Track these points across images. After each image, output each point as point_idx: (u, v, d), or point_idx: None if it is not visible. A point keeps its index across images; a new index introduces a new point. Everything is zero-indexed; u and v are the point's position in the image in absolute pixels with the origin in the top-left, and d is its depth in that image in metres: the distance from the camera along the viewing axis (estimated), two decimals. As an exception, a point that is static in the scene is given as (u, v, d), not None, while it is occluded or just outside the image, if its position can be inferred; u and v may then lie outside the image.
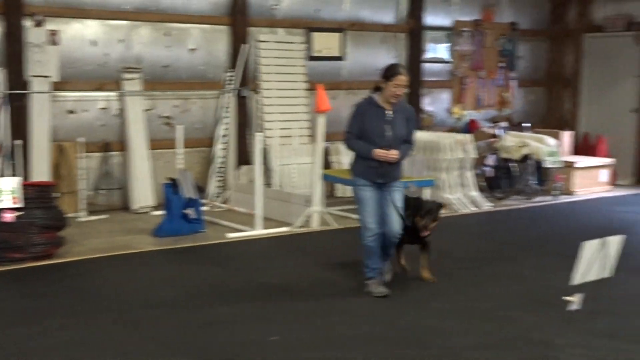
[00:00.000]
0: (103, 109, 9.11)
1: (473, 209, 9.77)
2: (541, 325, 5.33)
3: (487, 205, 10.00)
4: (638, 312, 5.82)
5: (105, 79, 9.01)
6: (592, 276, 4.58)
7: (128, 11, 9.11)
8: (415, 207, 6.08)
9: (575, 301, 4.64)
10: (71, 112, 8.87)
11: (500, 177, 10.69)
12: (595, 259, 4.58)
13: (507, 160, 10.62)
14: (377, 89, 5.68)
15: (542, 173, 10.85)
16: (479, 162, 10.49)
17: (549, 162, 10.69)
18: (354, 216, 8.64)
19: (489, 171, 10.72)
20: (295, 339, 5.07)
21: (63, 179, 8.67)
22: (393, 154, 5.53)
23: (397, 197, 5.75)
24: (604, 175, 11.82)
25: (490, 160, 10.73)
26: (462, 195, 9.85)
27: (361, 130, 5.61)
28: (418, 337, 5.10)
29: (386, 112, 5.59)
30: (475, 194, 10.01)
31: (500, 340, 5.18)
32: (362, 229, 5.69)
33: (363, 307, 5.87)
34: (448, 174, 9.73)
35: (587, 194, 11.31)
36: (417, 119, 6.23)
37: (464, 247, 8.14)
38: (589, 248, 4.51)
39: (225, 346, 4.89)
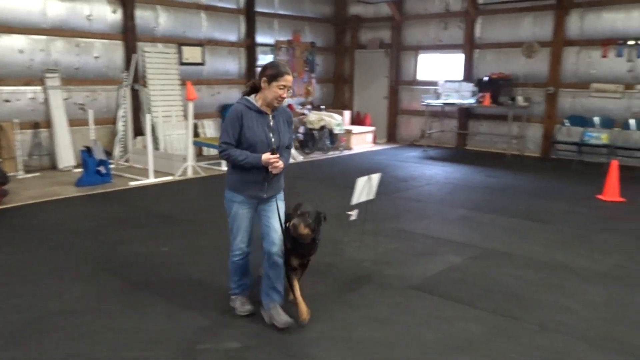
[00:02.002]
0: (32, 98, 8.98)
1: (292, 160, 10.13)
2: (332, 228, 5.43)
3: (300, 158, 10.70)
4: (390, 219, 6.37)
5: (32, 77, 8.90)
6: (363, 198, 4.66)
7: (46, 29, 9.01)
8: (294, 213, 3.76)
9: (353, 214, 4.62)
10: (7, 101, 8.72)
11: (307, 140, 11.38)
12: (365, 188, 4.66)
13: (311, 129, 11.38)
14: (254, 90, 3.60)
15: (333, 137, 11.62)
16: (294, 131, 11.01)
17: (337, 130, 11.55)
18: (217, 168, 9.37)
19: (300, 136, 11.37)
20: (180, 249, 5.21)
21: (4, 148, 8.52)
22: (281, 162, 3.54)
23: (282, 207, 3.73)
24: (369, 137, 12.87)
25: (301, 129, 11.41)
26: None
27: (240, 139, 3.51)
28: None
29: (269, 117, 3.56)
30: (293, 151, 10.66)
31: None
32: (232, 248, 3.74)
33: (221, 217, 6.60)
34: None
35: (360, 149, 12.20)
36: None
37: (292, 183, 8.90)
38: (361, 181, 4.61)
39: (130, 256, 4.94)
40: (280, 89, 3.48)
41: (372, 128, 12.90)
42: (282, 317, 3.59)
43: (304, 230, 3.57)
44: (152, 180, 8.34)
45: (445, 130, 12.64)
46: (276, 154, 3.52)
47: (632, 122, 10.08)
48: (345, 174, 9.02)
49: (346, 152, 11.73)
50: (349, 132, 12.07)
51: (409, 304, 4.10)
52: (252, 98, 3.59)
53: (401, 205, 7.08)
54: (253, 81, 3.63)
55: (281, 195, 3.75)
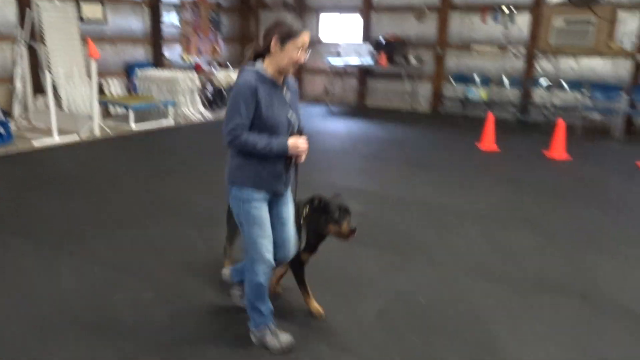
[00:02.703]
0: None
1: (201, 119, 10.22)
2: None
3: (209, 116, 10.46)
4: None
5: None
6: None
7: None
8: (322, 211, 3.01)
9: None
10: None
11: (215, 98, 11.07)
12: None
13: (219, 87, 11.11)
14: (260, 55, 2.65)
15: None
16: (202, 89, 10.78)
17: None
18: (125, 127, 9.00)
19: (208, 94, 11.05)
20: (89, 207, 5.28)
21: None
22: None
23: (291, 207, 2.91)
24: None
25: (209, 87, 11.10)
26: (194, 110, 10.28)
27: (255, 120, 2.59)
28: None
29: (283, 89, 2.70)
30: (201, 109, 10.47)
31: (219, 192, 6.10)
32: (255, 262, 2.72)
33: (129, 175, 6.39)
34: (184, 96, 10.13)
35: None
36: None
37: (201, 140, 8.63)
38: None
39: (38, 217, 4.83)
40: (298, 51, 2.57)
41: (278, 86, 12.71)
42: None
43: (347, 231, 2.91)
44: (57, 140, 7.86)
45: (347, 89, 12.83)
46: (304, 136, 2.67)
47: (505, 80, 10.80)
48: None
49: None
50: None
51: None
52: (260, 65, 2.61)
53: (307, 159, 7.16)
54: (254, 44, 2.67)
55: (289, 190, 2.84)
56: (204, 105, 10.64)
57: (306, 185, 6.04)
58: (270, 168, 2.65)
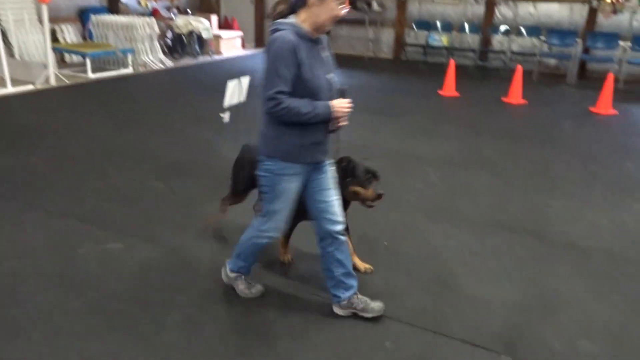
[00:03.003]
0: None
1: (162, 66, 9.86)
2: (205, 131, 5.76)
3: (170, 64, 10.10)
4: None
5: None
6: (235, 101, 4.57)
7: None
8: (349, 173, 2.82)
9: (226, 116, 4.52)
10: None
11: (176, 45, 10.75)
12: (235, 91, 4.53)
13: (179, 34, 10.72)
14: (292, 11, 2.34)
15: (201, 42, 11.07)
16: (162, 36, 10.40)
17: (205, 35, 10.96)
18: (82, 75, 8.60)
19: (168, 42, 10.68)
20: (47, 158, 5.15)
21: None
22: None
23: (331, 175, 2.64)
24: (238, 42, 12.41)
25: (169, 34, 10.70)
26: (153, 58, 9.89)
27: (295, 83, 2.29)
28: None
29: (320, 47, 2.41)
30: (161, 56, 10.09)
31: (183, 140, 5.67)
32: (265, 227, 2.60)
33: (90, 126, 6.18)
34: (142, 44, 9.70)
35: (229, 55, 11.78)
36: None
37: (162, 88, 8.37)
38: (231, 84, 4.50)
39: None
40: (338, 4, 2.26)
41: (240, 33, 12.38)
42: (375, 304, 2.69)
43: (373, 195, 2.75)
44: (10, 90, 7.45)
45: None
46: (346, 97, 2.39)
47: (466, 26, 10.73)
48: (216, 78, 8.77)
49: (216, 58, 11.27)
50: (217, 37, 11.51)
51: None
52: (295, 22, 2.29)
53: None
54: (284, 2, 2.34)
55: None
56: (164, 53, 10.28)
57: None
58: (312, 136, 2.38)
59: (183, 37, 10.61)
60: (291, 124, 2.32)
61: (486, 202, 4.21)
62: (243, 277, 2.81)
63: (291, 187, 2.46)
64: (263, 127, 2.43)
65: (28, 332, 2.50)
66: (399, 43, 11.53)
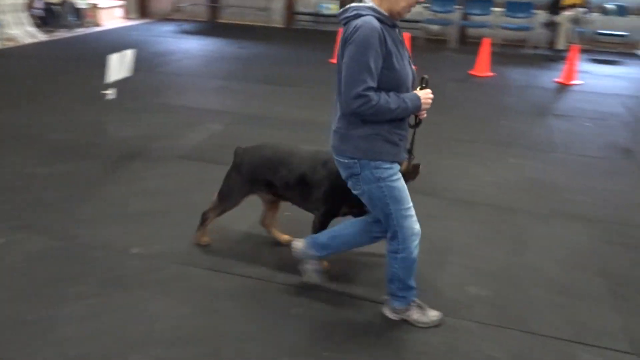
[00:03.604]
0: None
1: (33, 40, 9.10)
2: (90, 109, 5.36)
3: (42, 37, 9.31)
4: (151, 94, 6.22)
5: None
6: (119, 76, 4.33)
7: None
8: None
9: (110, 92, 4.30)
10: None
11: (48, 17, 9.84)
12: (119, 65, 4.29)
13: (50, 3, 9.82)
14: None
15: (78, 12, 10.29)
16: (30, 6, 9.52)
17: (81, 4, 10.22)
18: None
19: (38, 12, 9.76)
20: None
21: None
22: None
23: None
24: (119, 12, 11.67)
25: (39, 4, 9.76)
26: (23, 31, 9.09)
27: (384, 74, 2.09)
28: None
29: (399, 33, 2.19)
30: (31, 29, 9.27)
31: (67, 121, 5.35)
32: (408, 238, 2.32)
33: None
34: (8, 15, 8.82)
35: (110, 26, 11.06)
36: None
37: (37, 65, 7.72)
38: (114, 58, 4.23)
39: None
40: None
41: (121, 2, 11.66)
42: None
43: (409, 168, 2.44)
44: None
45: (198, 4, 12.02)
46: (428, 87, 2.20)
47: (355, -7, 10.88)
48: (97, 52, 8.15)
49: (95, 29, 10.53)
50: (95, 6, 10.71)
51: (178, 173, 4.11)
52: (374, 4, 2.06)
53: (160, 80, 6.81)
54: None
55: None
56: (35, 25, 9.40)
57: (158, 108, 5.77)
58: (400, 131, 2.17)
59: (54, 7, 9.70)
60: (380, 120, 2.09)
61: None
62: (415, 304, 2.44)
63: (402, 184, 2.23)
64: (343, 128, 2.15)
65: None
66: (291, 11, 11.43)
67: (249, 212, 3.30)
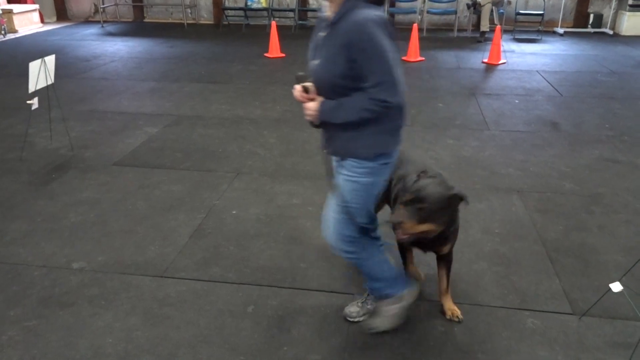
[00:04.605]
0: None
1: None
2: (14, 121, 5.28)
3: None
4: (79, 101, 6.00)
5: None
6: (42, 84, 4.19)
7: None
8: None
9: (34, 102, 4.19)
10: None
11: None
12: (40, 72, 4.14)
13: None
14: None
15: None
16: None
17: None
18: None
19: None
20: None
21: None
22: (311, 104, 2.00)
23: (345, 184, 2.08)
24: (36, 16, 11.13)
25: None
26: None
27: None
28: None
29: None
30: None
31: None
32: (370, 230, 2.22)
33: None
34: None
35: (27, 31, 10.58)
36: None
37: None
38: (34, 66, 4.08)
39: None
40: None
41: (36, 6, 11.04)
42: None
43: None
44: None
45: (120, 4, 11.59)
46: (305, 85, 1.98)
47: (283, -14, 10.84)
48: (16, 60, 7.89)
49: (11, 36, 10.01)
50: (8, 12, 10.13)
51: (115, 181, 3.97)
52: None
53: (88, 86, 6.53)
54: None
55: (350, 164, 2.02)
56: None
57: (88, 115, 5.55)
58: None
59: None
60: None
61: (318, 157, 4.40)
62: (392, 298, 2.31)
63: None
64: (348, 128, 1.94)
65: None
66: (219, 7, 11.25)
67: (194, 215, 3.25)
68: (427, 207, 1.97)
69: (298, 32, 10.43)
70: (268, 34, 8.49)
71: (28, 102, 4.16)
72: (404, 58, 8.17)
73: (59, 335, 2.37)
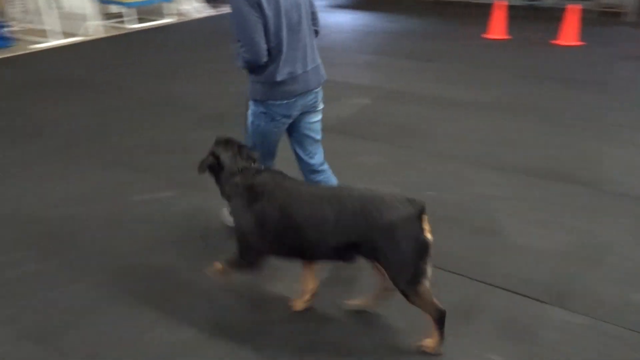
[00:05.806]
0: None
1: (202, 15, 9.80)
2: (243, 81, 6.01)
3: (208, 12, 9.96)
4: None
5: None
6: None
7: None
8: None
9: None
10: None
11: None
12: None
13: None
14: None
15: None
16: None
17: None
18: (122, 26, 8.62)
19: None
20: (92, 112, 5.28)
21: None
22: None
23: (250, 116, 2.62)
24: None
25: None
26: (192, 7, 9.82)
27: None
28: None
29: None
30: (198, 4, 9.97)
31: (226, 90, 5.56)
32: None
33: (130, 77, 6.19)
34: None
35: None
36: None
37: (207, 37, 8.28)
38: None
39: (45, 121, 4.74)
40: None
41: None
42: None
43: None
44: (55, 42, 7.58)
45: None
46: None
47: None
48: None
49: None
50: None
51: (324, 144, 4.19)
52: None
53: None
54: None
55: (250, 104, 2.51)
56: (205, 1, 10.09)
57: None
58: None
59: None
60: None
61: (535, 149, 4.07)
62: None
63: None
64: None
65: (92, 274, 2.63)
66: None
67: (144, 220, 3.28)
68: None
69: (528, 12, 9.62)
70: (490, 14, 8.00)
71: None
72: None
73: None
